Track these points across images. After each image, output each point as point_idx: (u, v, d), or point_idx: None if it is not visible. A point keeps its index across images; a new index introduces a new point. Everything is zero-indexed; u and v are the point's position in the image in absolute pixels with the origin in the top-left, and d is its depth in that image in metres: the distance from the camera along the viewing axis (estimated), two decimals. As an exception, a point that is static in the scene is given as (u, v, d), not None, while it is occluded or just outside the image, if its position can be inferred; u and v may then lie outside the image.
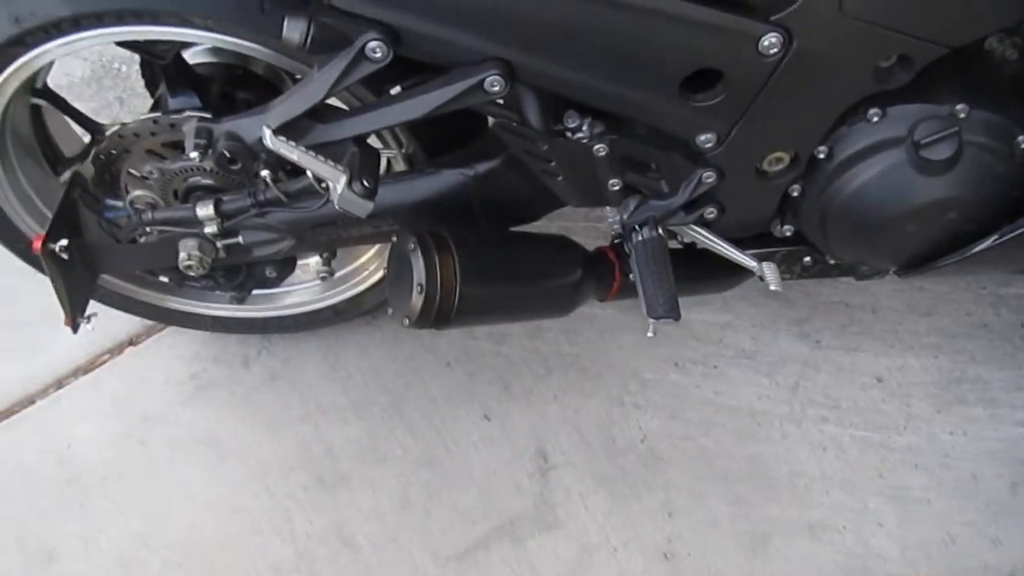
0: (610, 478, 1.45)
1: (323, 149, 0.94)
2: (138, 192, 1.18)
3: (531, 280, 1.14)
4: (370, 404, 1.55)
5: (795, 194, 1.11)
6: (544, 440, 1.50)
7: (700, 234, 1.17)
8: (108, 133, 1.17)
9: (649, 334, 1.11)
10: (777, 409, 1.49)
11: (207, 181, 1.22)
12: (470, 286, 1.06)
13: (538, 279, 1.14)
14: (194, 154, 0.97)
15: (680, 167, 1.08)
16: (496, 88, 0.94)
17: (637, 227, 1.14)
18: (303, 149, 0.91)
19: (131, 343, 1.63)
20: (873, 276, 1.23)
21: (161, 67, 1.19)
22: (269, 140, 0.91)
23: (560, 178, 1.08)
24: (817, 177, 1.08)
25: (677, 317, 1.07)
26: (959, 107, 1.00)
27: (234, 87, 1.27)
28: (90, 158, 1.21)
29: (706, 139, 1.02)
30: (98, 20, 1.03)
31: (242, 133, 0.97)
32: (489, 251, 1.12)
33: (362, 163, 0.95)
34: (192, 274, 1.20)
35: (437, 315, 1.07)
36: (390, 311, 1.12)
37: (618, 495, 1.44)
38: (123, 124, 1.16)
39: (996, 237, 1.06)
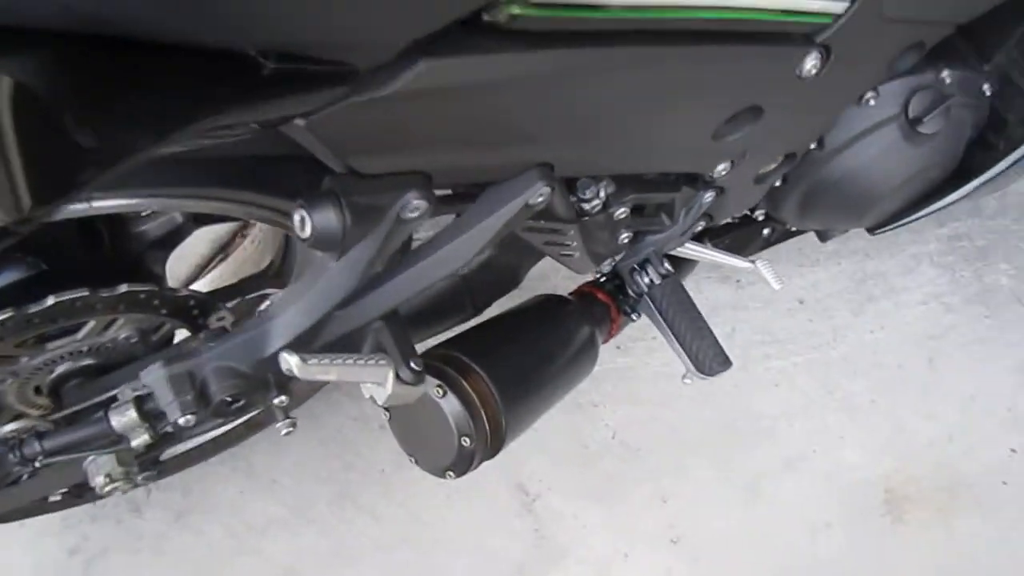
0: (596, 487, 1.38)
1: (346, 342, 0.69)
2: (11, 426, 0.82)
3: (557, 357, 0.97)
4: (313, 503, 1.32)
5: (777, 184, 1.04)
6: (517, 473, 1.37)
7: (694, 249, 1.07)
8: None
9: (687, 381, 1.02)
10: (723, 360, 1.48)
11: (85, 362, 0.89)
12: (512, 401, 0.89)
13: (562, 352, 0.98)
14: (185, 419, 0.66)
15: (685, 198, 0.96)
16: (541, 199, 0.74)
17: (637, 267, 1.02)
18: (340, 361, 0.65)
19: (-33, 540, 1.23)
20: (837, 235, 1.21)
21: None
22: (297, 369, 0.63)
23: (577, 255, 0.91)
24: (803, 166, 1.02)
25: (730, 364, 0.98)
26: (944, 74, 0.97)
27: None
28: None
29: (723, 168, 0.91)
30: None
31: (236, 363, 0.67)
32: (508, 352, 0.93)
33: (396, 340, 0.71)
34: (121, 494, 0.88)
35: (490, 451, 0.88)
36: (414, 460, 0.91)
37: (608, 501, 1.38)
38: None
39: (974, 184, 1.08)
